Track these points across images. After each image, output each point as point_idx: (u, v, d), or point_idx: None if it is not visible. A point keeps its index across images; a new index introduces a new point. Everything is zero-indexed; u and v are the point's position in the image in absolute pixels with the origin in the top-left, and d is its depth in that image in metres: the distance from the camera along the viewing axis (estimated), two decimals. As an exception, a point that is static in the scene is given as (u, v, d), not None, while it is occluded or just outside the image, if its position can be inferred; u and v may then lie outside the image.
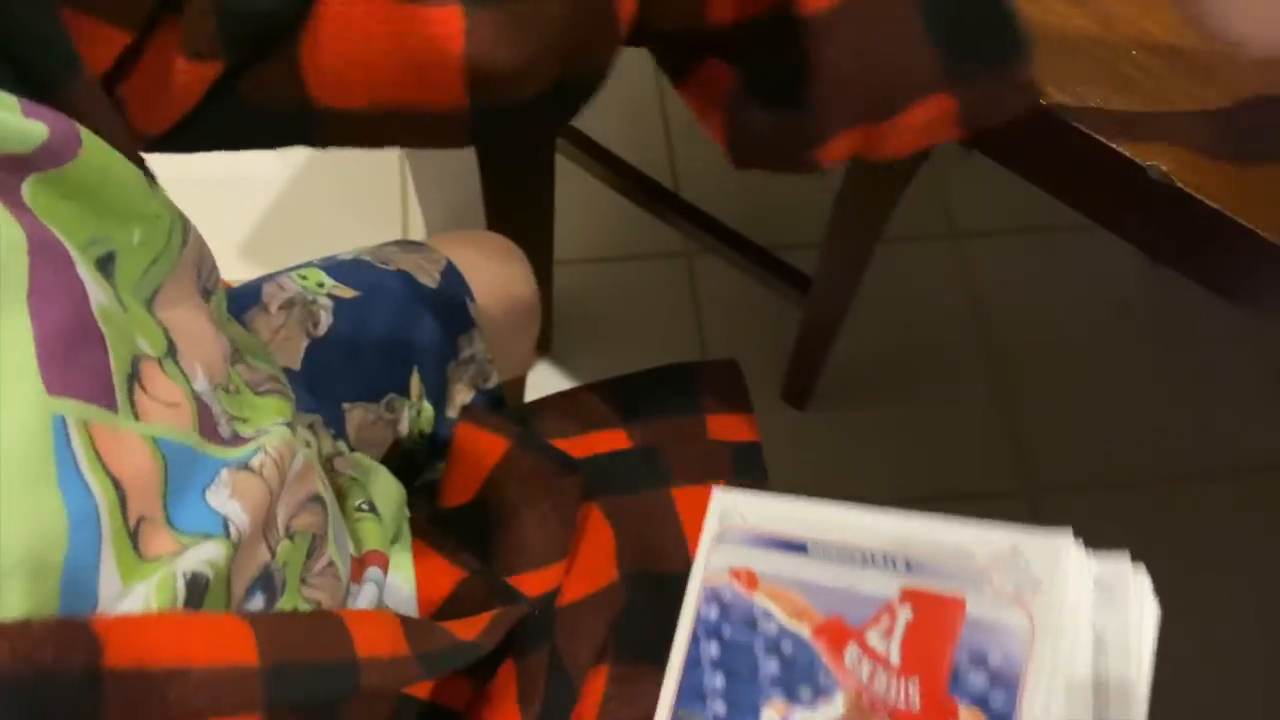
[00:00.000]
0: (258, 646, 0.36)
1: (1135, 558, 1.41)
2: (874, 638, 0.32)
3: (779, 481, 0.68)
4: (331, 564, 0.47)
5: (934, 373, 1.35)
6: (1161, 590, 1.35)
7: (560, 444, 0.68)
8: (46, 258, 0.33)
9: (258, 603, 0.41)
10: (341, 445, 0.65)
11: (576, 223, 1.33)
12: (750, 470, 0.68)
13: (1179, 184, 0.48)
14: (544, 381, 1.27)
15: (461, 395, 0.72)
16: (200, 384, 0.40)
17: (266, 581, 0.41)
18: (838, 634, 0.33)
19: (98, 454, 0.33)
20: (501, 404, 0.74)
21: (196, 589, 0.36)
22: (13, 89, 0.34)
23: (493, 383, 0.73)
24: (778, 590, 0.35)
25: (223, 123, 0.44)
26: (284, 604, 0.42)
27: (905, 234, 1.40)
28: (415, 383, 0.69)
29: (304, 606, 0.44)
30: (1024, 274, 1.40)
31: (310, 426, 0.59)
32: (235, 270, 0.72)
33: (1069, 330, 1.37)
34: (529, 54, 0.43)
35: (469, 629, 0.49)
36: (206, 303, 0.45)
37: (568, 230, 1.26)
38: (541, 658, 0.55)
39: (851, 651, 0.32)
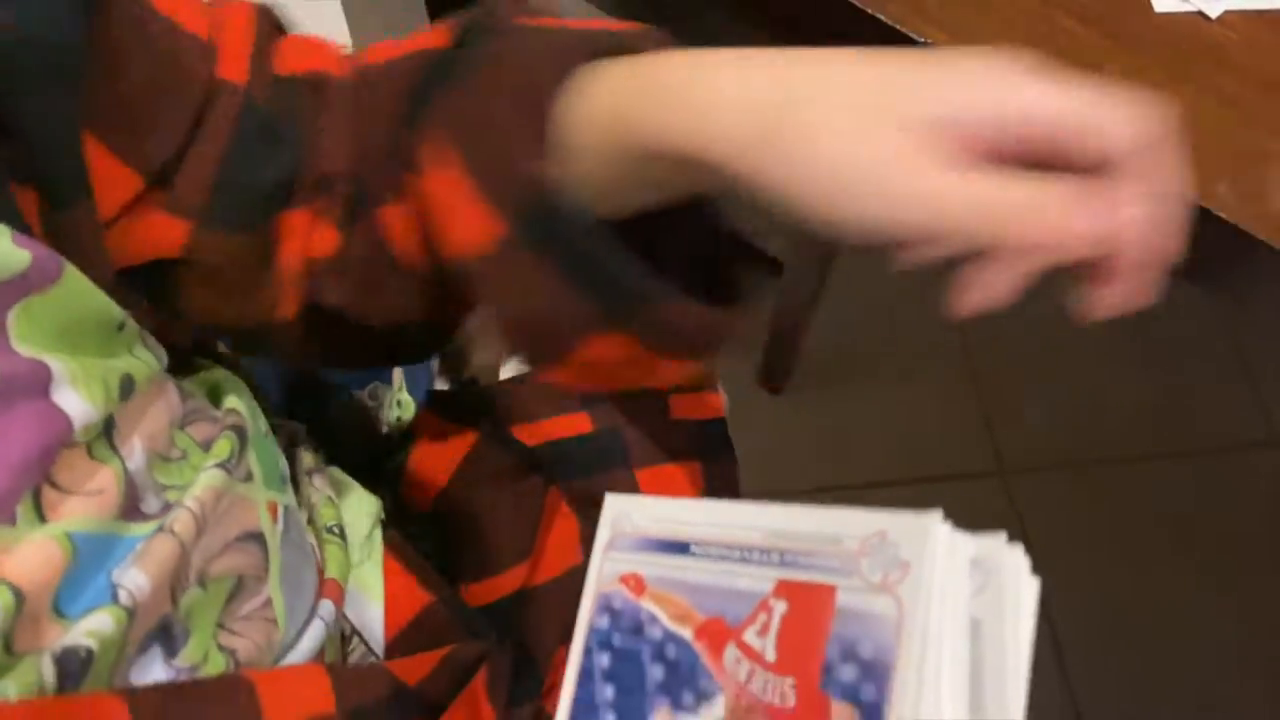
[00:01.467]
0: (128, 702, 0.33)
1: (1105, 537, 1.43)
2: (751, 636, 0.32)
3: (755, 466, 0.69)
4: (269, 603, 0.44)
5: (909, 356, 1.36)
6: (1131, 568, 1.37)
7: (524, 429, 0.69)
8: (18, 386, 0.33)
9: (154, 655, 0.38)
10: (321, 461, 0.65)
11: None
12: (715, 446, 0.69)
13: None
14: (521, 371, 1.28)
15: (441, 384, 0.72)
16: (135, 462, 0.38)
17: (164, 634, 0.38)
18: (718, 634, 0.33)
19: None
20: (472, 382, 0.75)
21: (72, 664, 0.33)
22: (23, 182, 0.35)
23: (465, 375, 0.74)
24: (663, 594, 0.35)
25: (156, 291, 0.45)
26: (188, 656, 0.39)
27: (878, 220, 1.41)
28: (398, 373, 0.69)
29: (216, 657, 0.41)
30: (996, 258, 1.41)
31: (293, 436, 0.59)
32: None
33: (1040, 312, 1.38)
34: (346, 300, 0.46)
35: (418, 668, 0.48)
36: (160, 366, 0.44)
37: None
38: (507, 650, 0.55)
39: (730, 652, 0.32)
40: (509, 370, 1.19)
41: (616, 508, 0.37)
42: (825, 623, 0.30)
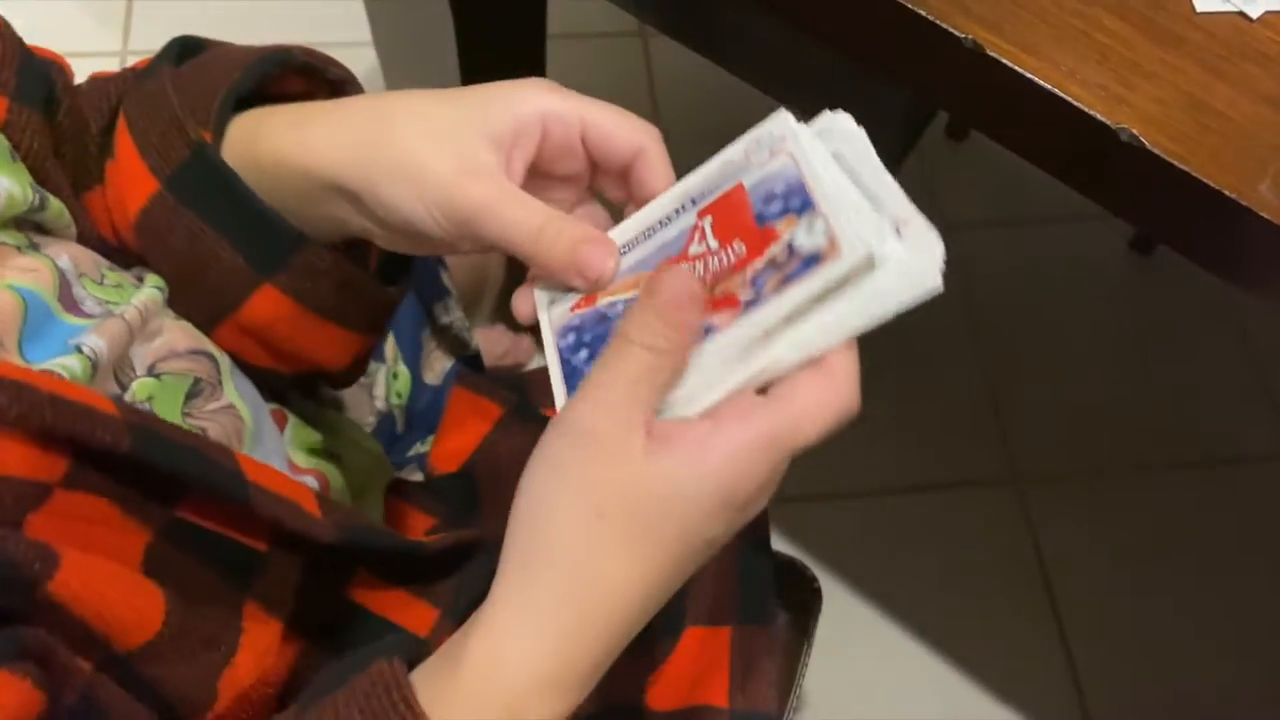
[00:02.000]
0: (119, 410, 0.37)
1: (1118, 545, 1.42)
2: (694, 248, 0.38)
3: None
4: (232, 407, 0.47)
5: (922, 362, 1.35)
6: (1144, 577, 1.36)
7: (554, 413, 0.68)
8: None
9: None
10: (311, 406, 0.65)
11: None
12: None
13: (1149, 146, 0.49)
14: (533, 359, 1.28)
15: (440, 362, 0.72)
16: (63, 264, 0.43)
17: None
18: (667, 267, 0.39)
19: None
20: (481, 369, 0.75)
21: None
22: None
23: (472, 349, 0.74)
24: (612, 289, 0.40)
25: None
26: None
27: (894, 225, 1.40)
28: (390, 347, 0.69)
29: (187, 426, 0.45)
30: (1011, 265, 1.41)
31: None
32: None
33: (1054, 319, 1.38)
34: None
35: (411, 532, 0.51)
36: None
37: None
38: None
39: (682, 268, 0.37)
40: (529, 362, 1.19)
41: (541, 292, 0.42)
42: (745, 202, 0.38)
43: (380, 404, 0.69)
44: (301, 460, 0.55)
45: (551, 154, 0.42)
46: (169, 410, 0.44)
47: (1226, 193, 0.48)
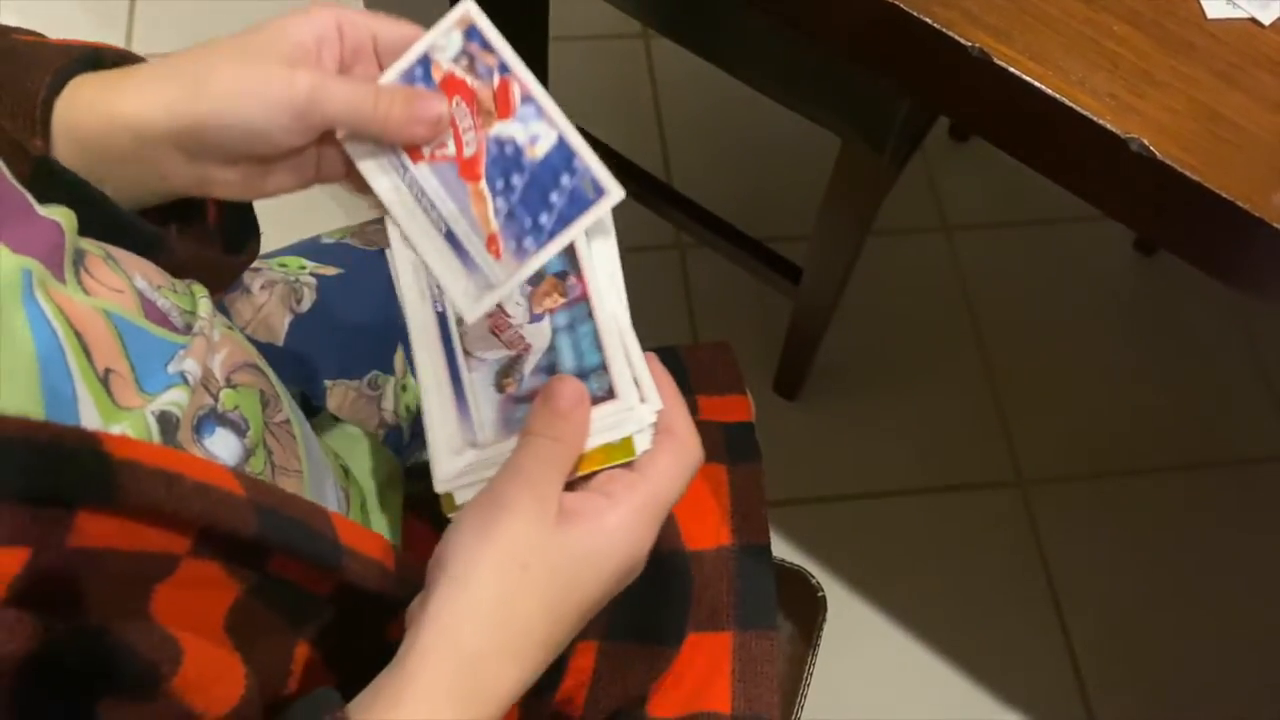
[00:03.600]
0: (241, 484, 0.38)
1: (1123, 547, 1.41)
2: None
3: (770, 473, 0.68)
4: (288, 422, 0.49)
5: (925, 364, 1.35)
6: (1148, 579, 1.36)
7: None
8: None
9: (221, 438, 0.43)
10: (326, 415, 0.65)
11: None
12: (743, 450, 0.68)
13: (1160, 156, 0.48)
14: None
15: None
16: (140, 283, 0.43)
17: (221, 419, 0.43)
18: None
19: (59, 308, 0.36)
20: None
21: (168, 425, 0.39)
22: None
23: None
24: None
25: None
26: (251, 439, 0.45)
27: (896, 226, 1.40)
28: (399, 359, 0.69)
29: (261, 452, 0.46)
30: (1014, 266, 1.40)
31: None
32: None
33: (1058, 321, 1.38)
34: None
35: None
36: None
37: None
38: None
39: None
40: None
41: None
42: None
43: (389, 416, 0.69)
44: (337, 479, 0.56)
45: (349, 57, 0.46)
46: (256, 419, 0.46)
47: (1239, 203, 0.47)
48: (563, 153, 0.44)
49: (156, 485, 0.34)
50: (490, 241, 0.45)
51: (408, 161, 0.46)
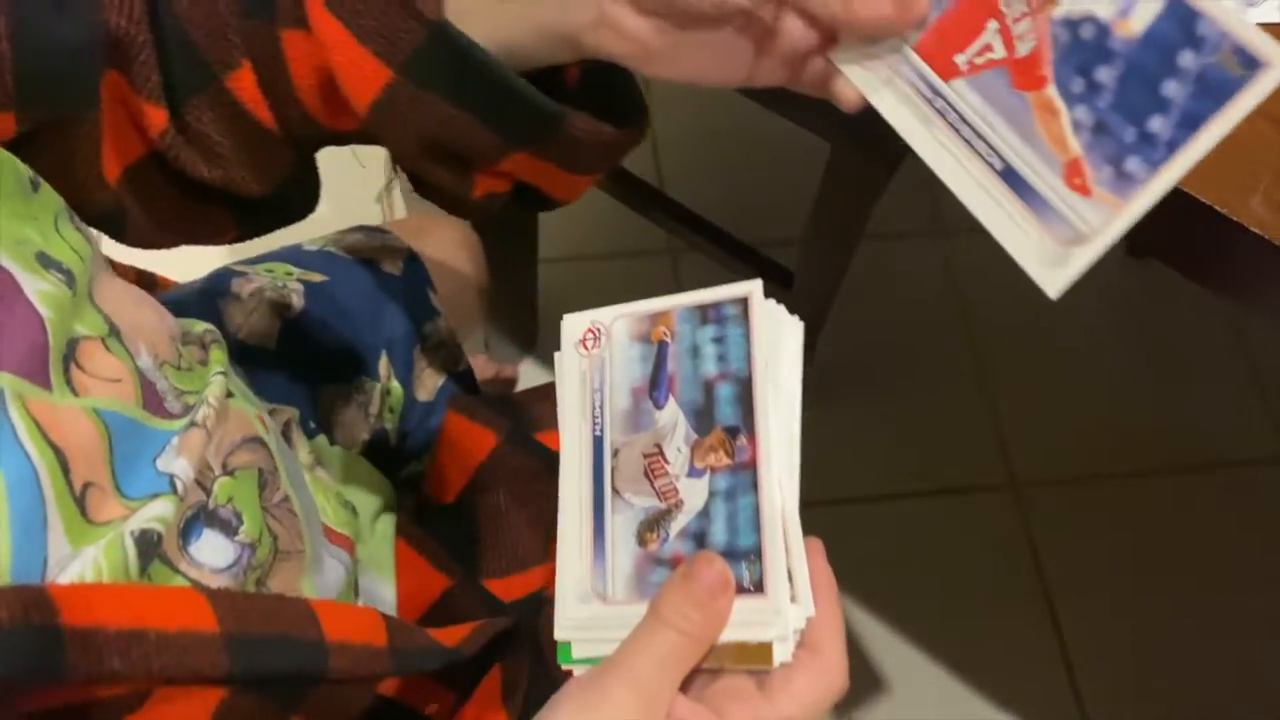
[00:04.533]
0: (215, 614, 0.36)
1: (1117, 549, 1.41)
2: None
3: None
4: (287, 499, 0.48)
5: (919, 368, 1.35)
6: (1143, 581, 1.36)
7: (547, 436, 0.68)
8: None
9: (208, 541, 0.41)
10: (321, 443, 0.65)
11: (562, 221, 1.34)
12: None
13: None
14: (533, 377, 1.28)
15: (431, 379, 0.72)
16: (144, 361, 0.41)
17: (210, 518, 0.42)
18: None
19: (36, 423, 0.34)
20: (474, 386, 0.75)
21: (147, 545, 0.37)
22: None
23: (463, 365, 0.74)
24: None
25: None
26: (246, 533, 0.43)
27: (889, 230, 1.40)
28: (384, 364, 0.69)
29: (266, 538, 0.45)
30: (1007, 270, 1.40)
31: (287, 423, 0.59)
32: (217, 259, 0.73)
33: (1051, 325, 1.38)
34: (220, 173, 0.47)
35: (450, 637, 0.50)
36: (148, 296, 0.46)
37: (554, 229, 1.27)
38: (524, 655, 0.55)
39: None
40: (519, 384, 1.18)
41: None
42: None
43: (375, 421, 0.69)
44: (332, 520, 0.56)
45: None
46: (251, 509, 0.44)
47: (1217, 208, 0.48)
48: (1178, 17, 0.31)
49: (112, 654, 0.32)
50: (1071, 170, 0.34)
51: (934, 78, 0.36)
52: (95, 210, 0.47)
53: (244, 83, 0.44)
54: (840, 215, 1.04)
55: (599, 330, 0.43)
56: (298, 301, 0.68)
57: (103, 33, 0.42)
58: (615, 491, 0.40)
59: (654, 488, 0.40)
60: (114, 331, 0.40)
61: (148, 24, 0.43)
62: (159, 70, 0.44)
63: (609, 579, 0.39)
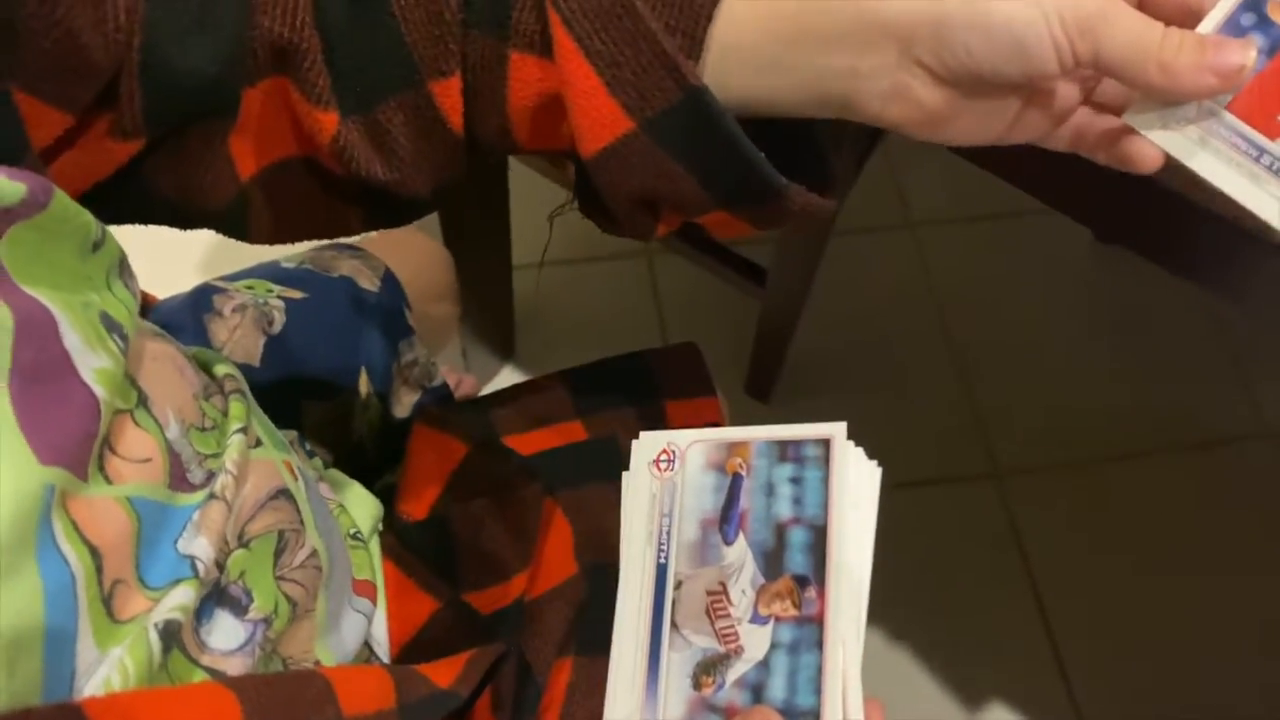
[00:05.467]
0: (242, 710, 0.35)
1: (1100, 534, 1.42)
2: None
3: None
4: (315, 554, 0.47)
5: (896, 361, 1.36)
6: (1127, 564, 1.36)
7: (517, 439, 0.68)
8: (30, 333, 0.33)
9: (220, 623, 0.41)
10: (318, 463, 0.65)
11: (535, 226, 1.34)
12: None
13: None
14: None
15: (407, 396, 0.73)
16: (173, 431, 0.40)
17: (221, 597, 0.41)
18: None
19: (74, 523, 0.33)
20: (450, 401, 0.75)
21: (170, 636, 0.36)
22: None
23: (437, 381, 0.74)
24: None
25: (128, 198, 0.44)
26: (257, 609, 0.42)
27: (861, 225, 1.41)
28: (364, 381, 0.69)
29: (283, 607, 0.44)
30: (979, 259, 1.41)
31: (290, 443, 0.59)
32: (194, 276, 0.73)
33: (1027, 313, 1.39)
34: (394, 175, 0.44)
35: (446, 672, 0.50)
36: (170, 343, 0.45)
37: (527, 233, 1.26)
38: (511, 664, 0.55)
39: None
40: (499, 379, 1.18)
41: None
42: None
43: (355, 436, 0.69)
44: (361, 573, 0.55)
45: None
46: (264, 586, 0.43)
47: (1180, 191, 0.48)
48: None
49: None
50: None
51: (1258, 137, 0.36)
52: (216, 207, 0.45)
53: (450, 91, 0.42)
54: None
55: (674, 453, 0.42)
56: (280, 319, 0.68)
57: (258, 43, 0.41)
58: (674, 626, 0.39)
59: (714, 629, 0.39)
60: (143, 401, 0.39)
61: (314, 28, 0.41)
62: (328, 73, 0.42)
63: (659, 718, 0.38)
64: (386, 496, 0.69)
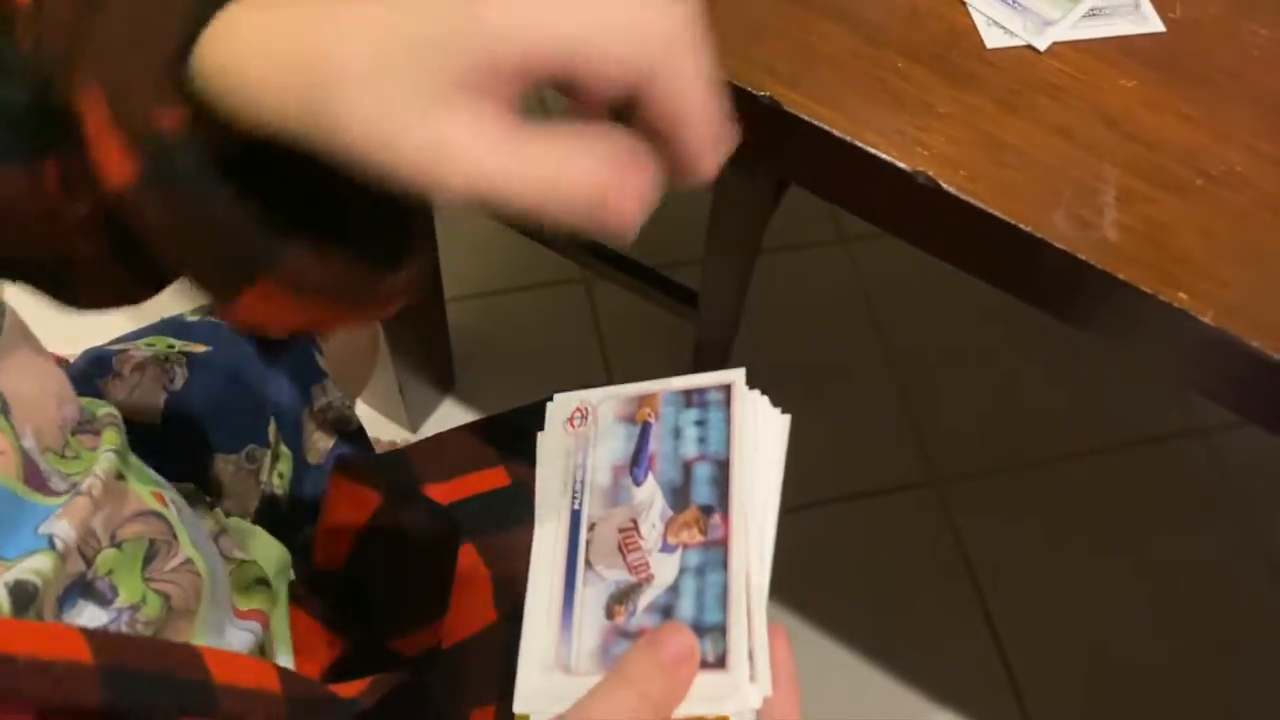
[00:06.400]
0: (90, 648, 0.36)
1: (1040, 536, 1.42)
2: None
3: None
4: (190, 562, 0.48)
5: (835, 375, 1.37)
6: (1068, 563, 1.37)
7: (437, 488, 0.69)
8: None
9: (83, 610, 0.42)
10: (220, 515, 0.66)
11: (467, 258, 1.34)
12: None
13: (946, 187, 0.50)
14: (450, 420, 1.28)
15: (322, 442, 0.73)
16: (29, 442, 0.41)
17: (86, 589, 0.42)
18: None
19: None
20: (367, 447, 0.76)
21: (23, 595, 0.37)
22: None
23: (354, 425, 0.74)
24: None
25: None
26: (125, 600, 0.43)
27: (794, 242, 1.42)
28: (273, 430, 0.70)
29: (153, 599, 0.45)
30: (911, 271, 1.43)
31: (188, 497, 0.60)
32: (95, 335, 0.73)
33: (959, 320, 1.40)
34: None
35: (348, 691, 0.50)
36: (57, 378, 0.46)
37: (459, 266, 1.27)
38: (426, 711, 0.56)
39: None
40: (436, 426, 1.18)
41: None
42: None
43: (265, 488, 0.70)
44: (242, 603, 0.56)
45: (534, 87, 0.34)
46: (130, 583, 0.44)
47: (1023, 227, 0.49)
48: None
49: None
50: None
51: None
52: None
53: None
54: (734, 234, 1.05)
55: (586, 410, 0.44)
56: (181, 374, 0.68)
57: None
58: (588, 564, 0.41)
59: (626, 562, 0.40)
60: (4, 407, 0.40)
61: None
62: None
63: (573, 651, 0.40)
64: (305, 553, 0.70)
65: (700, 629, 0.38)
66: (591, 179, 0.32)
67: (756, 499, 0.40)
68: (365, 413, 1.16)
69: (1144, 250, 0.49)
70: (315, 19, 0.33)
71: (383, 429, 1.27)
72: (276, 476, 0.70)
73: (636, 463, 0.42)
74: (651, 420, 0.43)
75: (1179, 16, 0.56)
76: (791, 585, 1.23)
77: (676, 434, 0.42)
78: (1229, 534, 1.31)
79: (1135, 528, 1.30)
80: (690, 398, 0.42)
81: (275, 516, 0.70)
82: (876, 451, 1.32)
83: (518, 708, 0.39)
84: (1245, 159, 0.52)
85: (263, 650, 0.58)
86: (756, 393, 0.42)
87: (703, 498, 0.40)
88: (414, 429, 1.28)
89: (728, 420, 0.41)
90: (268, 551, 0.64)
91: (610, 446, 0.43)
